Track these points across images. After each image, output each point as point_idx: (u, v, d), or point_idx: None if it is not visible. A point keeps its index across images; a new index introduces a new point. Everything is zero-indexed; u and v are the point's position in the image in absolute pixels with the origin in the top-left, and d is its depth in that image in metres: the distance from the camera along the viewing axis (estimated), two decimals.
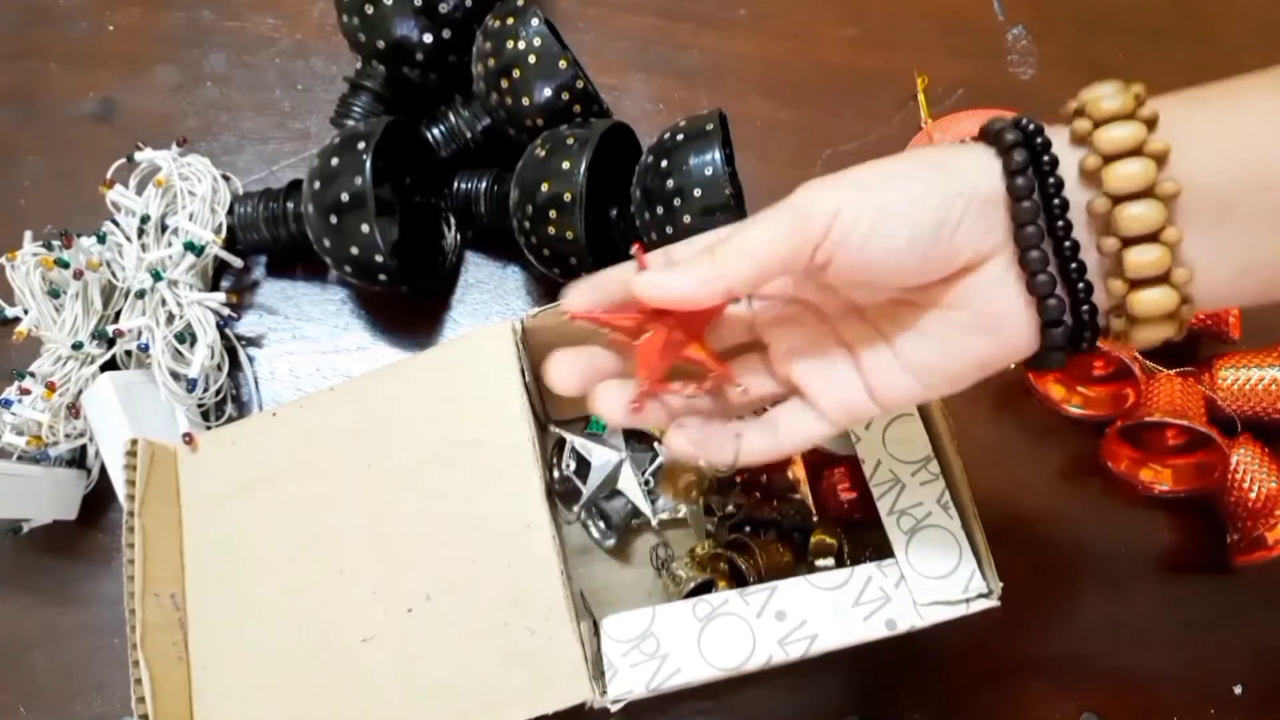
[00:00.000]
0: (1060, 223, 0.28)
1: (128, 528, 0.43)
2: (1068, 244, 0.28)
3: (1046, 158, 0.28)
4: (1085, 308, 0.29)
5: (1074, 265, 0.28)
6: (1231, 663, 0.53)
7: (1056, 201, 0.28)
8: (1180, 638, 0.54)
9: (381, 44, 0.56)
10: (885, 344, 0.32)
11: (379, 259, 0.51)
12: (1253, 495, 0.52)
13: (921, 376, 0.32)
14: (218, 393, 0.54)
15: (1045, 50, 0.66)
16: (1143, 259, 0.28)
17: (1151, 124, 0.27)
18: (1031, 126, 0.29)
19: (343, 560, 0.43)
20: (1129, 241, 0.28)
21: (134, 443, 0.45)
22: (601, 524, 0.51)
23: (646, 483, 0.50)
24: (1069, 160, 0.28)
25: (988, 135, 0.29)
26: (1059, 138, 0.29)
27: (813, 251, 0.29)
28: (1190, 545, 0.55)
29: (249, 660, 0.43)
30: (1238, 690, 0.53)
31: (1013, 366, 0.55)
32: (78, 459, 0.54)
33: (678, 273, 0.29)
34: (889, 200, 0.28)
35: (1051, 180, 0.28)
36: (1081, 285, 0.29)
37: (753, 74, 0.66)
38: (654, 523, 0.51)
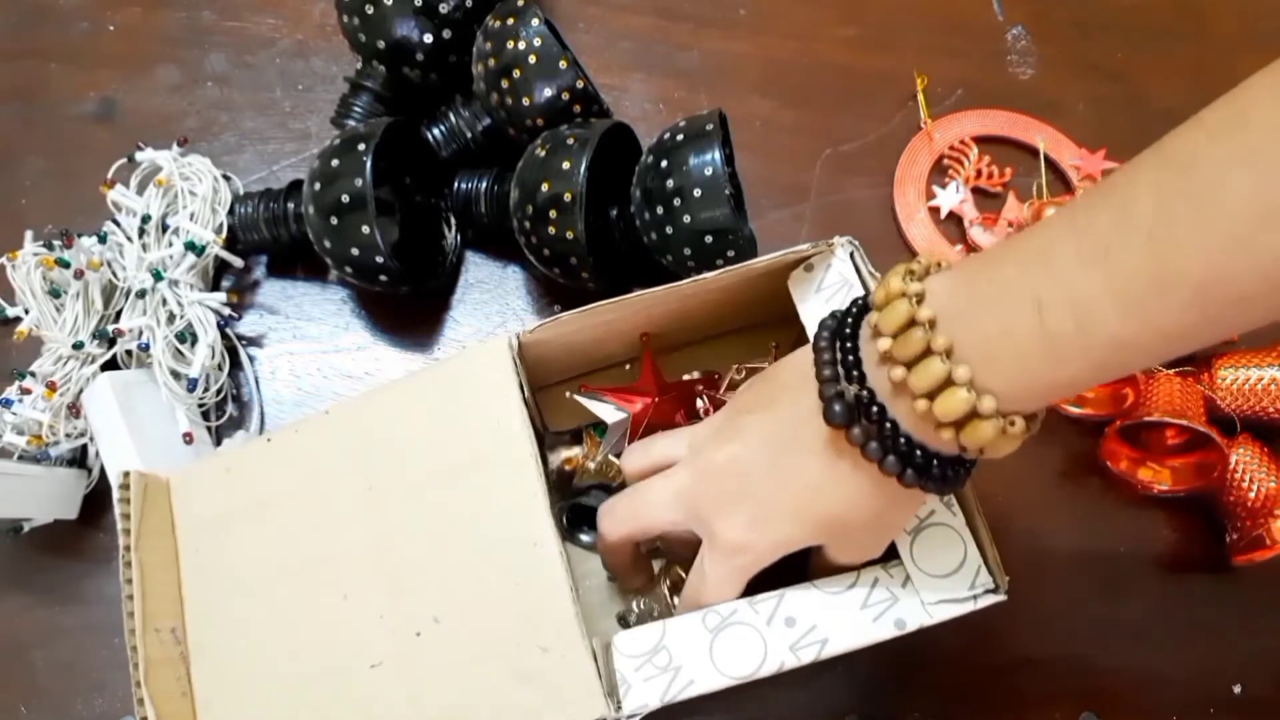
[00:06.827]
0: (918, 454, 0.33)
1: (125, 563, 0.42)
2: (936, 468, 0.34)
3: (903, 442, 0.33)
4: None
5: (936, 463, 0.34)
6: (1231, 662, 0.53)
7: (918, 456, 0.33)
8: (1179, 637, 0.54)
9: (382, 44, 0.56)
10: None
11: (379, 259, 0.51)
12: (1252, 494, 0.52)
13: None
14: (218, 392, 0.54)
15: (1045, 50, 0.66)
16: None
17: (948, 353, 0.31)
18: (885, 422, 0.33)
19: (346, 585, 0.42)
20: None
21: (126, 475, 0.43)
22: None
23: None
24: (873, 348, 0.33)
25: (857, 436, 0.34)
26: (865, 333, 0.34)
27: None
28: (1189, 545, 0.55)
29: (255, 690, 0.42)
30: (1237, 690, 0.53)
31: None
32: (78, 458, 0.54)
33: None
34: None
35: (909, 452, 0.33)
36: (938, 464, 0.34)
37: (753, 74, 0.66)
38: None
